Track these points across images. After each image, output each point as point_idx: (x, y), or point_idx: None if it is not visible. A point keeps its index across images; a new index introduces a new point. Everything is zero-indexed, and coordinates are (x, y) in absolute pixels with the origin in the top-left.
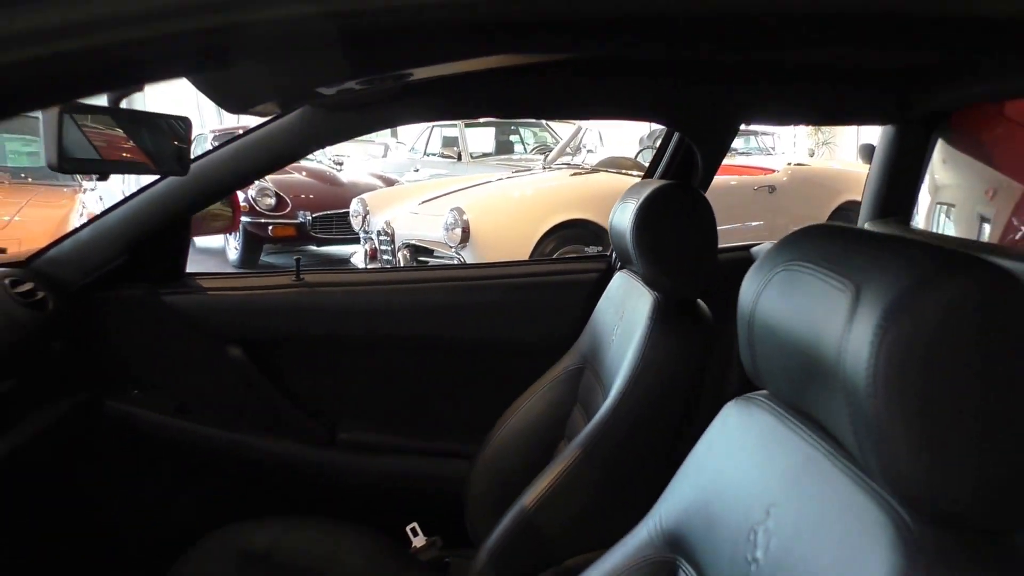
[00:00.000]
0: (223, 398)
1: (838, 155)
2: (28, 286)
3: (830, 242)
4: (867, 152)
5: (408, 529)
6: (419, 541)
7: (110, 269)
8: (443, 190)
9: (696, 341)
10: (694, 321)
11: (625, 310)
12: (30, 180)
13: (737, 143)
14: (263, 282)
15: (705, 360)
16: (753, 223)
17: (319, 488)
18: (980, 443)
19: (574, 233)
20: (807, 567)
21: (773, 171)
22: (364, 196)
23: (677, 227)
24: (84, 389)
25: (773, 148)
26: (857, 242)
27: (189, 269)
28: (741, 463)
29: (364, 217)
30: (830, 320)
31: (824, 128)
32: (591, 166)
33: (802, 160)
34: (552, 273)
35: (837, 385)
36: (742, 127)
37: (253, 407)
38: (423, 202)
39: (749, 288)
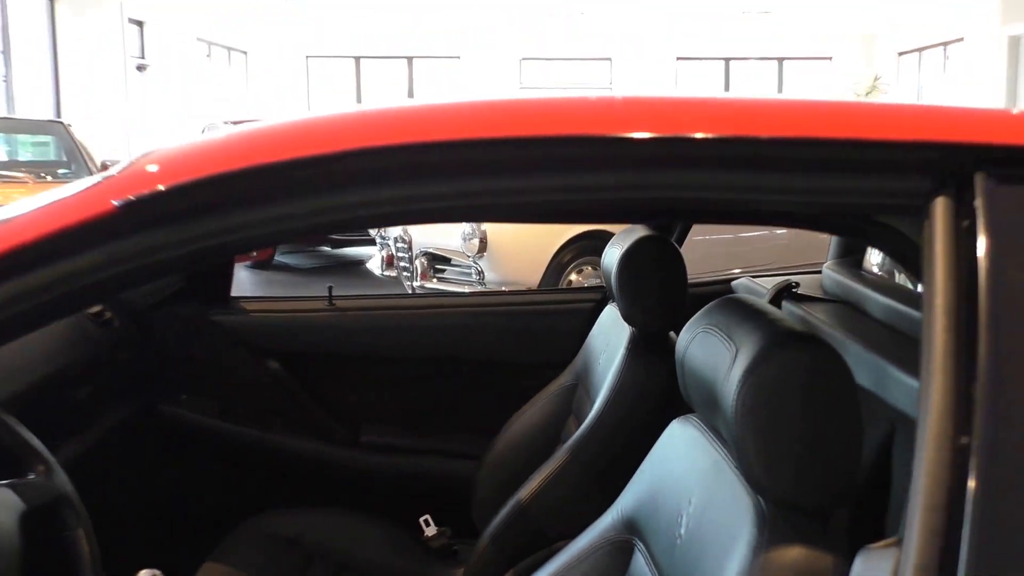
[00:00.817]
0: (261, 404)
1: None
2: (98, 308)
3: (732, 313)
4: None
5: (421, 520)
6: (431, 531)
7: (168, 293)
8: None
9: (662, 369)
10: (663, 352)
11: (610, 339)
12: (49, 178)
13: None
14: (299, 306)
15: (671, 383)
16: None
17: (343, 483)
18: (801, 456)
19: (591, 245)
20: (708, 539)
21: None
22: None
23: (652, 275)
24: (141, 394)
25: None
26: (746, 315)
27: None
28: (676, 466)
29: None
30: (721, 369)
31: None
32: None
33: None
34: (553, 302)
35: (724, 413)
36: None
37: (287, 412)
38: None
39: (683, 339)
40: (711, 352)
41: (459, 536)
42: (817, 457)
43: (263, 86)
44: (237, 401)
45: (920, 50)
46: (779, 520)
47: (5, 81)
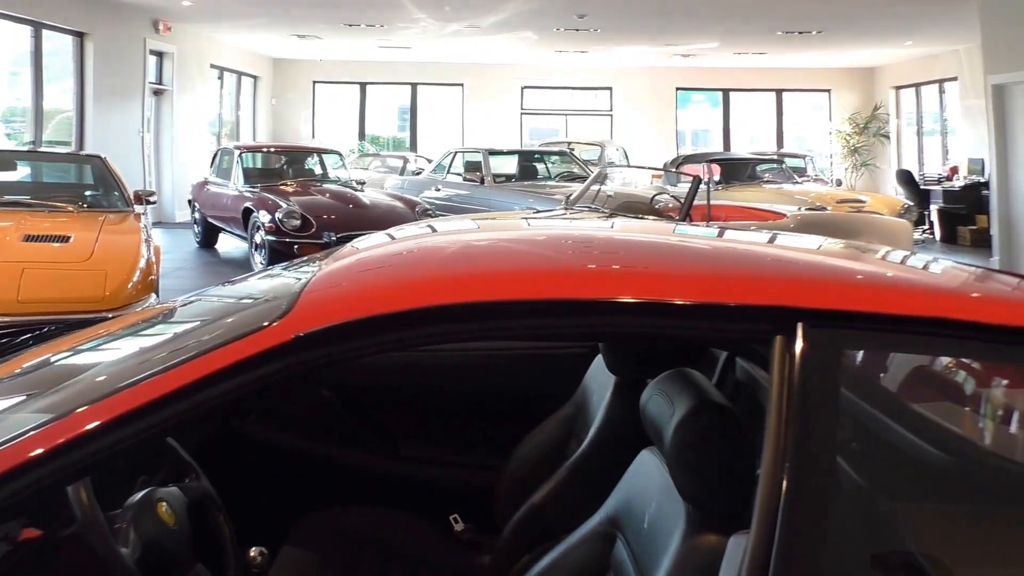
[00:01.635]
0: (316, 424)
1: (879, 179)
2: None
3: (675, 383)
4: (904, 177)
5: (451, 518)
6: (459, 526)
7: None
8: (449, 222)
9: (638, 411)
10: (639, 397)
11: (600, 380)
12: (86, 207)
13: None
14: None
15: None
16: None
17: (386, 488)
18: (711, 479)
19: None
20: (660, 530)
21: (783, 216)
22: (390, 230)
23: None
24: (222, 415)
25: (806, 173)
26: (685, 385)
27: (214, 278)
28: (643, 481)
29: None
30: (664, 422)
31: (862, 148)
32: (609, 211)
33: (817, 204)
34: (557, 347)
35: (666, 450)
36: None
37: (338, 430)
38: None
39: (643, 397)
40: (659, 410)
41: (482, 531)
42: (721, 480)
43: (272, 108)
44: (297, 421)
45: (917, 85)
46: (700, 519)
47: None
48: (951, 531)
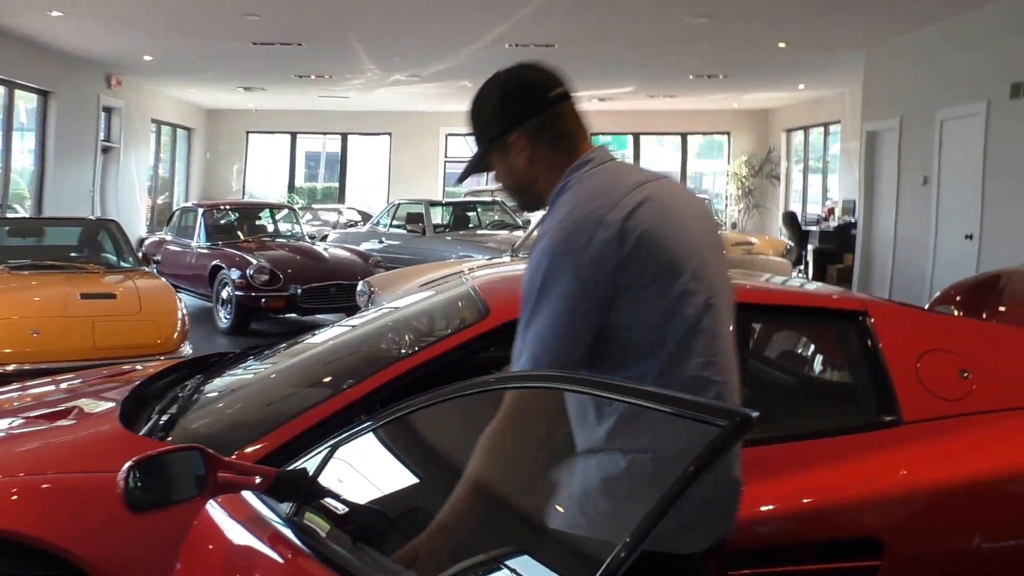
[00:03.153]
0: None
1: (768, 219)
2: None
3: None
4: (788, 220)
5: None
6: None
7: None
8: (441, 273)
9: None
10: None
11: None
12: (109, 267)
13: None
14: None
15: None
16: None
17: None
18: None
19: None
20: None
21: None
22: (370, 279)
23: None
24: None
25: None
26: None
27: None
28: None
29: (370, 296)
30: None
31: (755, 190)
32: None
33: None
34: None
35: None
36: None
37: None
38: (423, 285)
39: None
40: None
41: None
42: None
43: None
44: None
45: (806, 128)
46: None
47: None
48: None
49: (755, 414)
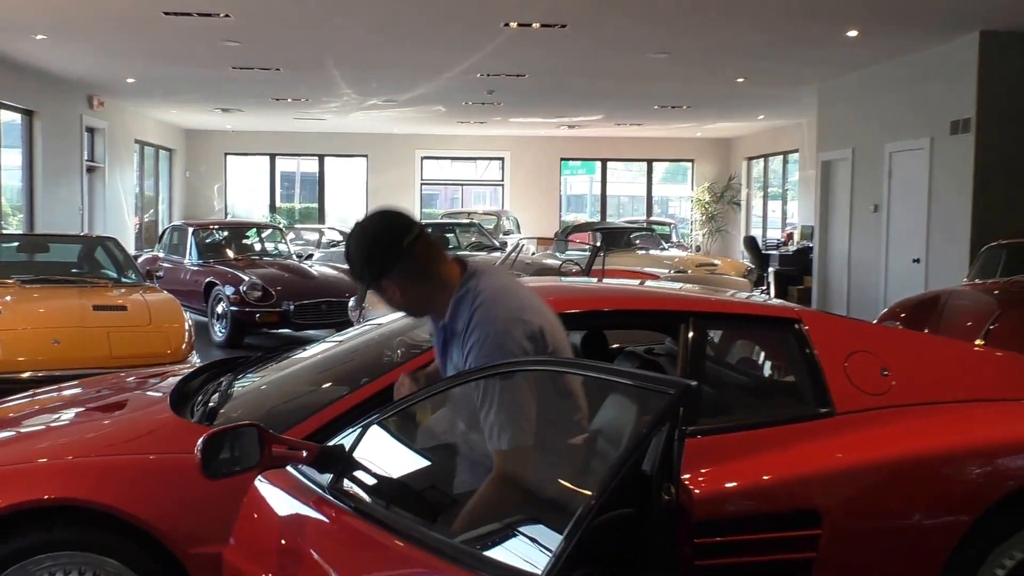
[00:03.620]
0: None
1: (730, 243)
2: None
3: None
4: (749, 243)
5: None
6: None
7: None
8: None
9: None
10: None
11: None
12: (113, 281)
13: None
14: None
15: None
16: None
17: None
18: None
19: None
20: None
21: (659, 277)
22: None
23: None
24: None
25: (671, 240)
26: None
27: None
28: None
29: (361, 312)
30: None
31: (718, 215)
32: (528, 275)
33: (681, 267)
34: None
35: None
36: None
37: None
38: None
39: None
40: None
41: None
42: None
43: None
44: None
45: (766, 156)
46: None
47: None
48: None
49: (694, 384)
